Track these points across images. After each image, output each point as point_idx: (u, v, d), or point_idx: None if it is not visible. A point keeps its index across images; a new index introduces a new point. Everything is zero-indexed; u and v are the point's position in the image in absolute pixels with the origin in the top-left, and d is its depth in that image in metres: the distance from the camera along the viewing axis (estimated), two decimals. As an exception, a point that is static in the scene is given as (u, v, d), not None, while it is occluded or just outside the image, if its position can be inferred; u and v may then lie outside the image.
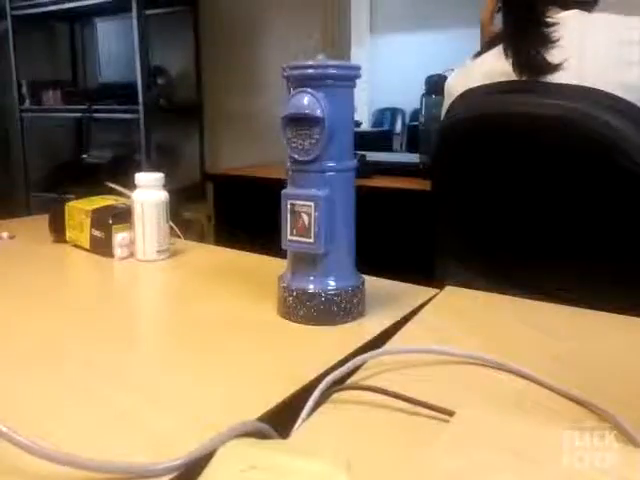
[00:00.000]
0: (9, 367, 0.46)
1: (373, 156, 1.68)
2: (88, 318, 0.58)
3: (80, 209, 0.81)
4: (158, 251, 0.76)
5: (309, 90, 0.52)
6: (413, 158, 1.64)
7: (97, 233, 0.78)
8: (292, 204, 0.54)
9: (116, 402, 0.40)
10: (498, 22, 0.96)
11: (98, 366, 0.46)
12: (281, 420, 0.37)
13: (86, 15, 2.76)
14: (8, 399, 0.39)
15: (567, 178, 0.80)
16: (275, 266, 0.61)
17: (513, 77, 0.82)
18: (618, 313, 0.55)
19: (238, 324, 0.56)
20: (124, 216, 0.77)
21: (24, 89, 2.70)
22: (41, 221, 0.89)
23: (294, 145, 0.53)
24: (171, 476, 0.31)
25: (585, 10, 0.86)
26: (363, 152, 1.62)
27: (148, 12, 2.40)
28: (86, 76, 3.03)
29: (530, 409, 0.39)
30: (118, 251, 0.77)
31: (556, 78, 0.79)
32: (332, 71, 0.53)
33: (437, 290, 0.63)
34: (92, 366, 0.46)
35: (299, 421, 0.37)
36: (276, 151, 1.62)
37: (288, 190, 0.55)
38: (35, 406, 0.40)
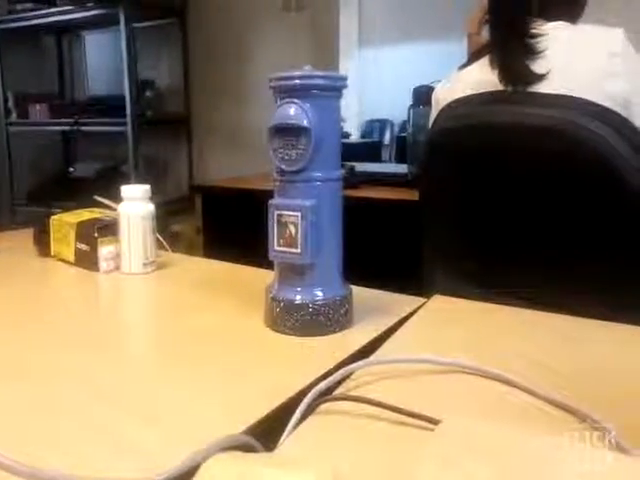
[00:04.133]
0: (-10, 383, 0.45)
1: (362, 167, 1.68)
2: (72, 331, 0.57)
3: (65, 222, 0.80)
4: (144, 264, 0.75)
5: (296, 100, 0.52)
6: (401, 168, 1.65)
7: (82, 246, 0.77)
8: (279, 214, 0.54)
9: (99, 416, 0.40)
10: (485, 33, 0.98)
11: (82, 380, 0.45)
12: (268, 432, 0.36)
13: (74, 28, 2.77)
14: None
15: (554, 186, 0.81)
16: (263, 277, 0.61)
17: (499, 87, 0.83)
18: (607, 320, 0.55)
19: (225, 336, 0.55)
20: (110, 229, 0.76)
21: (10, 102, 2.69)
22: (26, 235, 0.88)
23: (281, 155, 0.53)
24: (154, 492, 0.30)
25: (570, 22, 0.87)
26: (352, 163, 1.62)
27: (136, 25, 2.41)
28: (73, 89, 3.03)
29: (518, 417, 0.39)
30: (104, 265, 0.76)
31: (542, 88, 0.80)
32: (318, 81, 0.53)
33: (425, 299, 0.63)
34: (76, 380, 0.45)
35: (285, 433, 0.36)
36: (264, 162, 1.63)
37: (275, 200, 0.55)
38: (18, 422, 0.39)
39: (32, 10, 2.55)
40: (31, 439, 0.36)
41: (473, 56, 0.96)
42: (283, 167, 0.53)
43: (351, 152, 1.95)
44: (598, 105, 0.76)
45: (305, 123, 0.51)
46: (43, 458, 0.31)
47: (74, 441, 0.36)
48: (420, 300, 0.63)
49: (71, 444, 0.36)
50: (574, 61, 0.81)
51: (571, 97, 0.78)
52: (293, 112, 0.52)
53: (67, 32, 2.91)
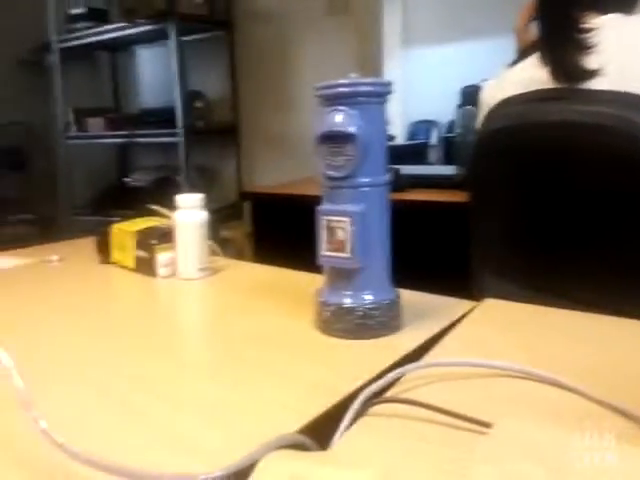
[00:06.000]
0: (61, 385, 0.48)
1: (407, 169, 1.67)
2: (133, 335, 0.60)
3: (125, 231, 0.84)
4: (199, 269, 0.78)
5: (342, 108, 0.53)
6: (448, 170, 1.62)
7: (142, 253, 0.81)
8: (327, 220, 0.55)
9: (158, 415, 0.42)
10: (533, 30, 0.95)
11: (142, 381, 0.48)
12: (320, 432, 0.37)
13: (126, 44, 2.88)
14: (60, 415, 0.41)
15: (608, 186, 0.78)
16: (312, 281, 0.62)
17: (549, 85, 0.81)
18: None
19: (277, 339, 0.57)
20: (167, 237, 0.80)
21: (70, 117, 2.83)
22: (87, 243, 0.93)
23: (328, 162, 0.54)
24: (214, 488, 0.31)
25: (624, 13, 0.84)
26: (397, 166, 1.61)
27: (185, 38, 2.49)
28: (127, 102, 3.15)
29: (570, 421, 0.38)
30: (162, 270, 0.79)
31: (594, 84, 0.78)
32: (364, 88, 0.54)
33: (475, 303, 0.63)
34: (137, 381, 0.48)
35: (338, 433, 0.37)
36: (310, 168, 1.64)
37: (323, 206, 0.56)
38: (83, 420, 0.41)
39: (88, 28, 2.68)
40: (95, 436, 0.39)
41: (522, 53, 0.94)
42: (331, 173, 0.54)
43: (397, 154, 1.93)
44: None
45: (352, 130, 0.52)
46: (107, 454, 0.33)
47: (135, 439, 0.38)
48: (471, 303, 0.62)
49: (133, 442, 0.38)
50: (628, 55, 0.78)
51: (623, 93, 0.75)
52: (340, 119, 0.53)
53: (120, 48, 3.05)
